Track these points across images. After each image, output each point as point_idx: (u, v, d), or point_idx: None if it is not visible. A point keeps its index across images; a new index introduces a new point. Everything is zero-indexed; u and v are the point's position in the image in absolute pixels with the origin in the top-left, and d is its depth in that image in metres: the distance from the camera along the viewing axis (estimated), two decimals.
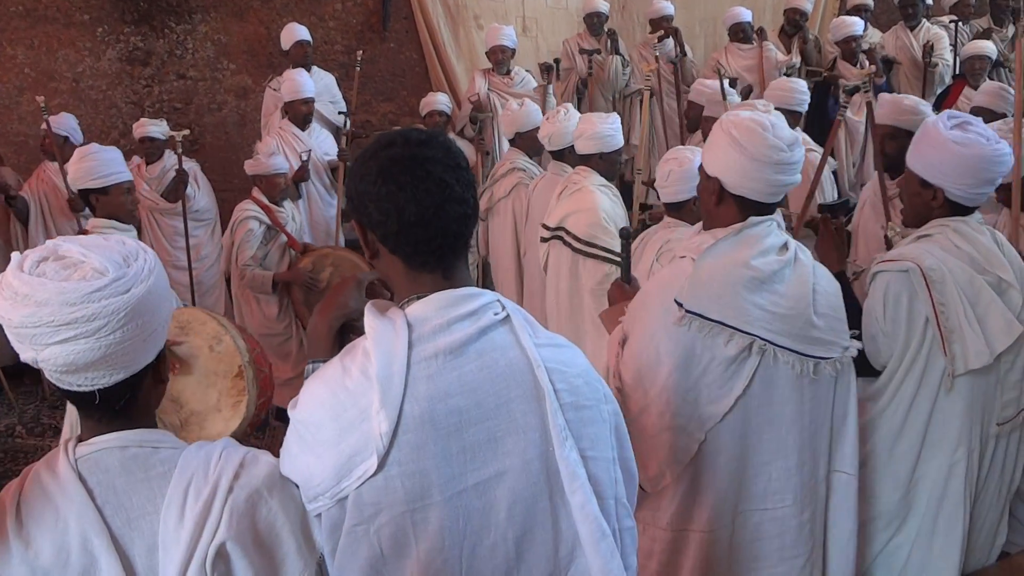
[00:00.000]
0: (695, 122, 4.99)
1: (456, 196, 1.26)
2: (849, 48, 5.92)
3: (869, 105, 3.51)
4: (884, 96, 3.60)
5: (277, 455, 1.31)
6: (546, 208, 3.86)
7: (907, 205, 2.41)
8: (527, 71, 6.17)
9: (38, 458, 1.29)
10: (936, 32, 6.08)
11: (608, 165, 3.73)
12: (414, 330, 1.25)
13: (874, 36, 6.50)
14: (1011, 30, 6.11)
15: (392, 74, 6.99)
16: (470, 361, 1.25)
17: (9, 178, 5.05)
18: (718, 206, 1.95)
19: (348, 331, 1.48)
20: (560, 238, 3.63)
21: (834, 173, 4.84)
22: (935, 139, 2.22)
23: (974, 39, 5.79)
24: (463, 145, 5.25)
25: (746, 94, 5.40)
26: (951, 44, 6.00)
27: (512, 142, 4.77)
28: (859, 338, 1.97)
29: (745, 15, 6.29)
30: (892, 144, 3.33)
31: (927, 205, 2.28)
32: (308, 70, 5.57)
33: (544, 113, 4.62)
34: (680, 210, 3.12)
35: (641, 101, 6.21)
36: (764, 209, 1.92)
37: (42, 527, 1.18)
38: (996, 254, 2.23)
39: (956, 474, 2.27)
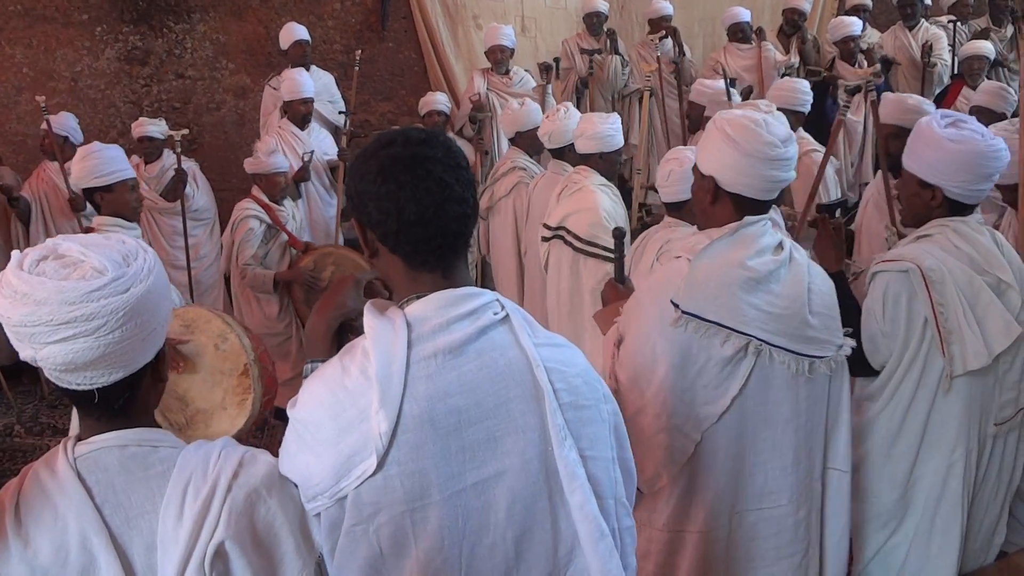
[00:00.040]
0: (696, 122, 4.99)
1: (456, 195, 1.26)
2: (847, 48, 5.92)
3: (874, 104, 3.52)
4: (888, 95, 3.61)
5: (276, 454, 1.31)
6: (546, 207, 3.86)
7: (906, 206, 2.41)
8: (526, 71, 6.17)
9: (36, 457, 1.29)
10: (935, 32, 6.09)
11: (608, 165, 3.75)
12: (413, 330, 1.25)
13: (873, 36, 6.51)
14: (1009, 30, 6.11)
15: (391, 74, 6.99)
16: (469, 361, 1.25)
17: (8, 177, 5.05)
18: (713, 205, 1.95)
19: (346, 331, 1.48)
20: (561, 237, 3.64)
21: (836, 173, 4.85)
22: (930, 139, 2.22)
23: (972, 39, 5.80)
24: (462, 144, 5.24)
25: (747, 94, 5.40)
26: (949, 44, 6.00)
27: (513, 141, 4.78)
28: (851, 335, 1.98)
29: (744, 15, 6.29)
30: (896, 143, 3.33)
31: (927, 205, 2.29)
32: (307, 69, 5.57)
33: (544, 113, 4.63)
34: (681, 210, 3.12)
35: (640, 101, 6.23)
36: (759, 207, 1.92)
37: (41, 526, 1.18)
38: (996, 255, 2.23)
39: (954, 474, 2.27)
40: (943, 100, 5.38)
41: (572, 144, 3.86)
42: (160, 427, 1.32)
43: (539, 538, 1.28)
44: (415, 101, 5.94)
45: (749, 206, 1.91)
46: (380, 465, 1.19)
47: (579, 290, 3.61)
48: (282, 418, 1.38)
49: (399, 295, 1.33)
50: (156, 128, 5.08)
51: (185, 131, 4.58)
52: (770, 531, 1.99)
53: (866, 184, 5.27)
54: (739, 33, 6.25)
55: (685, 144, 4.77)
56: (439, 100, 5.66)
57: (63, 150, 4.76)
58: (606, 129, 3.67)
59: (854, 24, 5.92)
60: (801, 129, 4.26)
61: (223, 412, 1.95)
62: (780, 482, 1.96)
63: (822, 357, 1.90)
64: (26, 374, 4.98)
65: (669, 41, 6.12)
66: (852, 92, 5.43)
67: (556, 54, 6.39)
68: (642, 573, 1.99)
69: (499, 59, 5.94)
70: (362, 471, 1.20)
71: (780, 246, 1.91)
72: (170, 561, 1.18)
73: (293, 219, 4.37)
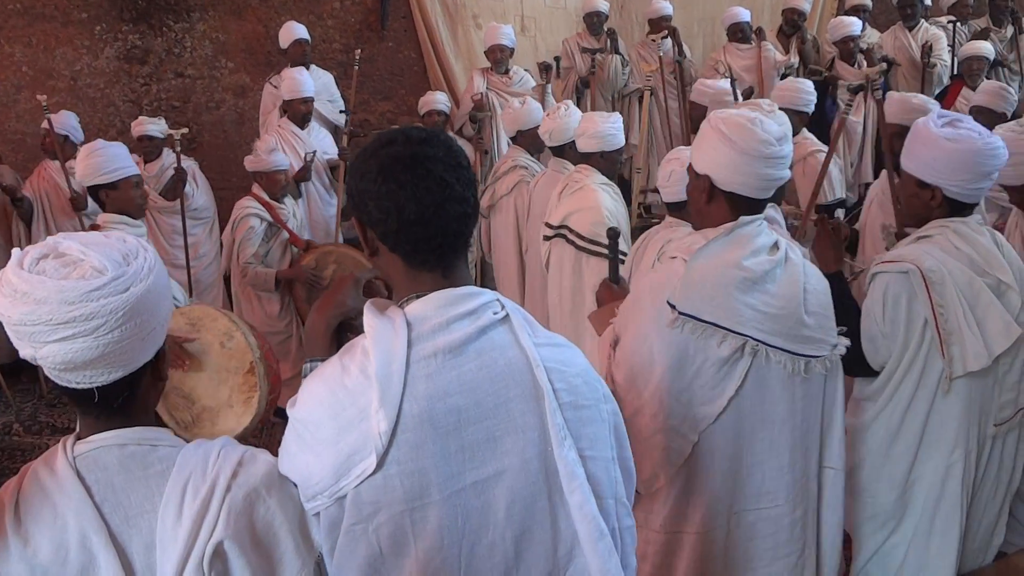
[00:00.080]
0: (698, 122, 4.98)
1: (456, 195, 1.26)
2: (847, 48, 5.93)
3: (879, 104, 3.51)
4: (893, 95, 3.60)
5: (275, 453, 1.31)
6: (547, 205, 3.87)
7: (905, 207, 2.41)
8: (525, 70, 6.17)
9: (36, 456, 1.29)
10: (934, 32, 6.09)
11: (609, 164, 3.76)
12: (413, 329, 1.25)
13: (872, 36, 6.51)
14: (1009, 30, 6.12)
15: (390, 73, 6.99)
16: (469, 360, 1.25)
17: (8, 177, 5.05)
18: (708, 204, 1.95)
19: (346, 330, 1.48)
20: (563, 236, 3.65)
21: None
22: (927, 139, 2.22)
23: (972, 39, 5.80)
24: (462, 144, 5.25)
25: (748, 95, 5.40)
26: (949, 44, 6.01)
27: (514, 140, 4.79)
28: (846, 335, 1.98)
29: (743, 15, 6.29)
30: (900, 143, 3.32)
31: (926, 205, 2.29)
32: (307, 68, 5.57)
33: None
34: (682, 210, 3.12)
35: (640, 101, 6.23)
36: (755, 206, 1.92)
37: (40, 525, 1.18)
38: (996, 256, 2.23)
39: (953, 475, 2.27)
40: (943, 100, 5.38)
41: (573, 142, 3.87)
42: (160, 426, 1.32)
43: (538, 538, 1.28)
44: (415, 100, 5.94)
45: (745, 205, 1.91)
46: (380, 464, 1.19)
47: (581, 289, 3.62)
48: (282, 416, 1.38)
49: (399, 294, 1.33)
50: (155, 127, 5.08)
51: (184, 130, 4.58)
52: (767, 531, 1.99)
53: (866, 184, 5.29)
54: (739, 33, 6.25)
55: (686, 144, 4.77)
56: (439, 100, 5.66)
57: (64, 149, 4.77)
58: (607, 128, 3.68)
59: (854, 24, 5.93)
60: (805, 130, 4.27)
61: (229, 410, 1.95)
62: (777, 482, 1.96)
63: (818, 356, 1.91)
64: (25, 372, 4.98)
65: (669, 41, 6.12)
66: (855, 91, 5.43)
67: (556, 53, 6.40)
68: (639, 575, 1.99)
69: (499, 58, 5.94)
70: (362, 470, 1.20)
71: (776, 246, 1.91)
72: (169, 560, 1.18)
73: (294, 217, 4.37)
